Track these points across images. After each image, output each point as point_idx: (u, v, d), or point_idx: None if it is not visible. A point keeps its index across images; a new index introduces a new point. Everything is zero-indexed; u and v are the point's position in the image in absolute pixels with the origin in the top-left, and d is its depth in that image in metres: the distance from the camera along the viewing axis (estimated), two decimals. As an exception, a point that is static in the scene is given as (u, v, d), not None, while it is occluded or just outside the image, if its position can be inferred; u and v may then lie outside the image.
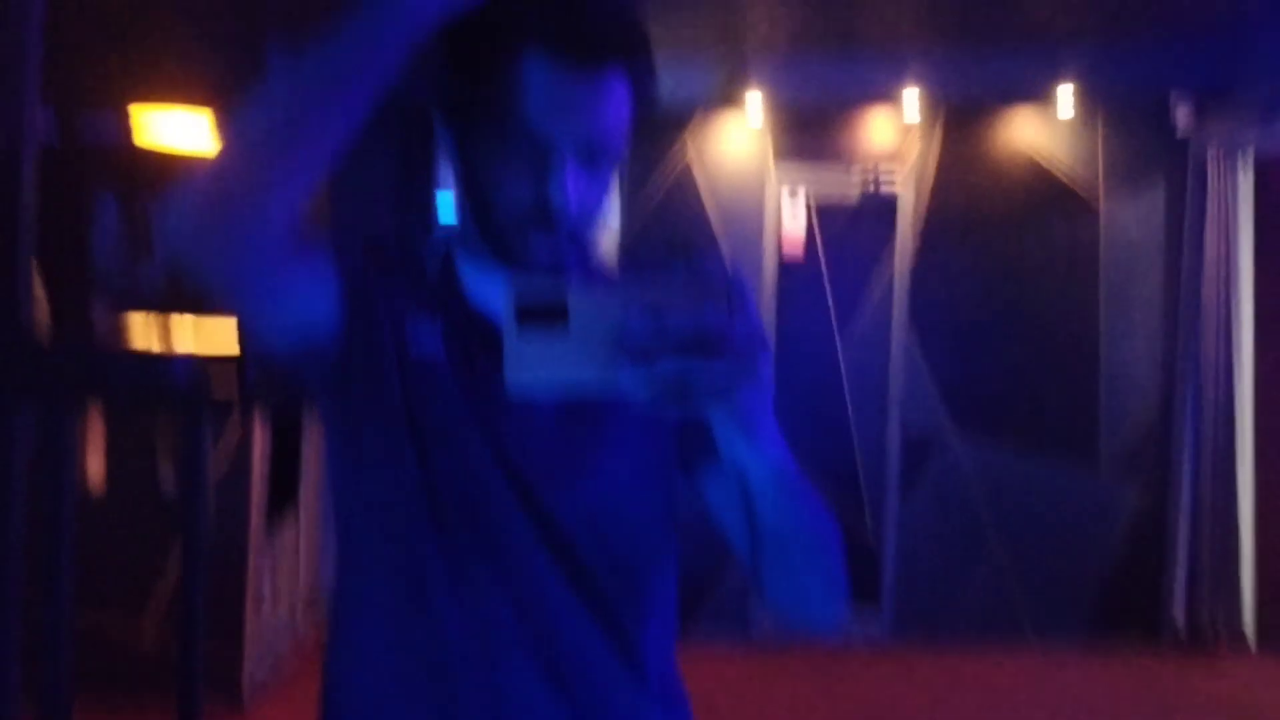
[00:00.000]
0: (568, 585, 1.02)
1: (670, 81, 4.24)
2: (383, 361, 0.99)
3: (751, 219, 4.87)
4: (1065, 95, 4.75)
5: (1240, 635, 4.84)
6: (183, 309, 3.30)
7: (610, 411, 1.02)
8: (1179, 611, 4.88)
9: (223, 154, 0.88)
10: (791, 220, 4.90)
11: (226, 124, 0.89)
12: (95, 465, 3.67)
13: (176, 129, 3.26)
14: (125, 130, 3.53)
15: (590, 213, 0.98)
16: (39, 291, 2.07)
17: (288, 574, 4.35)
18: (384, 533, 1.04)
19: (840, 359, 4.92)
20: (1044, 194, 4.90)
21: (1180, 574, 4.92)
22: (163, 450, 3.57)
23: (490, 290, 1.01)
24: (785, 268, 4.89)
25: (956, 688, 4.43)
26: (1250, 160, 4.84)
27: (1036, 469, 4.92)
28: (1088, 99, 4.78)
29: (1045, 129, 4.89)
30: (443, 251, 1.06)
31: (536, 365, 0.76)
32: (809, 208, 4.89)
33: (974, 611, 4.93)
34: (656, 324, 0.74)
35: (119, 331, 3.59)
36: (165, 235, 0.89)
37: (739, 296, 0.76)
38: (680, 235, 4.82)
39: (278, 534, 4.18)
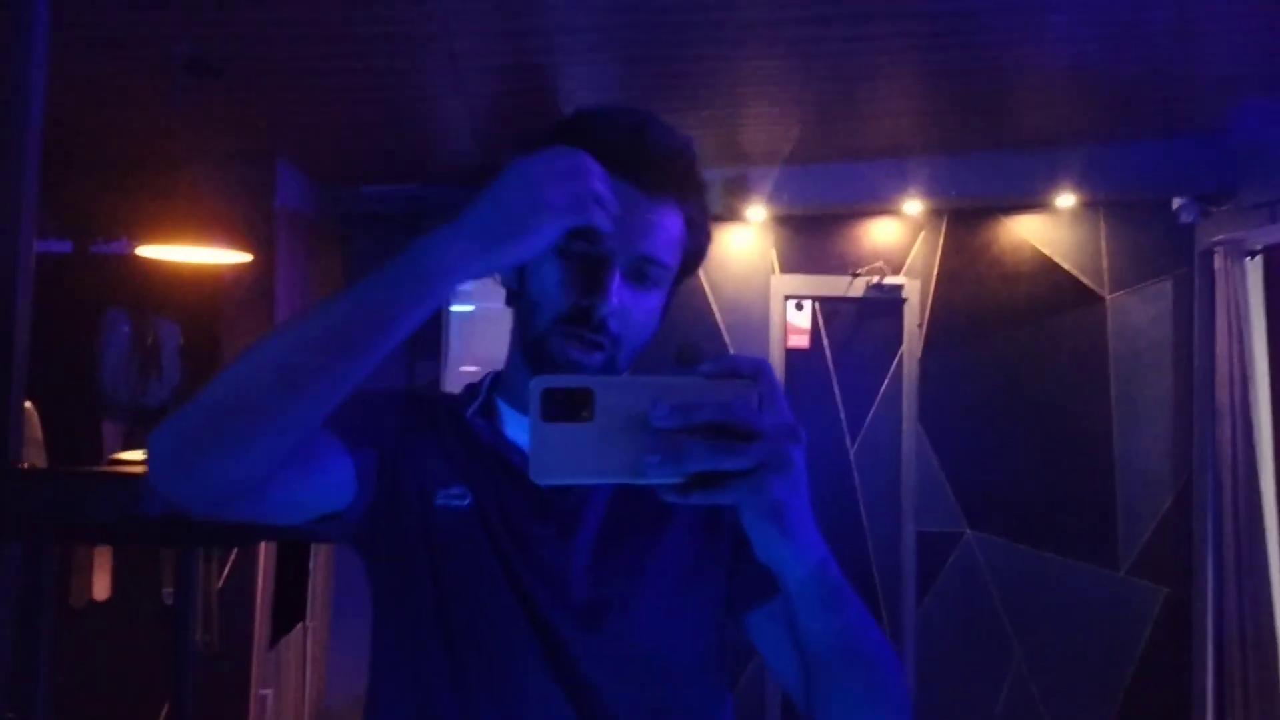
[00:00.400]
0: None
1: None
2: (405, 515, 1.01)
3: (756, 323, 4.90)
4: (1066, 195, 4.78)
5: (1277, 738, 4.66)
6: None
7: (654, 544, 1.01)
8: (1210, 714, 4.72)
9: (225, 383, 0.85)
10: (797, 318, 4.93)
11: (221, 369, 0.86)
12: (102, 581, 3.68)
13: (188, 253, 3.34)
14: (138, 251, 3.62)
15: (631, 326, 1.00)
16: (33, 425, 2.10)
17: (293, 688, 4.30)
18: (402, 675, 1.04)
19: (851, 457, 4.88)
20: (1049, 286, 4.90)
21: (1209, 672, 4.77)
22: (166, 565, 3.57)
23: (521, 425, 1.03)
24: (792, 368, 4.89)
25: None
26: (1259, 252, 4.83)
27: (1054, 567, 4.82)
28: (1090, 198, 4.80)
29: (1048, 226, 4.91)
30: (485, 394, 1.09)
31: (561, 455, 0.74)
32: (815, 311, 4.92)
33: (997, 718, 4.78)
34: (683, 413, 0.72)
35: (128, 447, 3.62)
36: (150, 463, 0.89)
37: (768, 387, 0.75)
38: (687, 337, 4.85)
39: (284, 649, 4.15)
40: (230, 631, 3.64)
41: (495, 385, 1.10)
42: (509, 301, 1.06)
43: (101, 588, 3.60)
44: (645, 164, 0.97)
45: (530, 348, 1.00)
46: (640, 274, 0.99)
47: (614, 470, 0.74)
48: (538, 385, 0.74)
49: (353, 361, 0.85)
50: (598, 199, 0.89)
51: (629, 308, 0.98)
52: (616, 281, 0.96)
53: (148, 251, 3.41)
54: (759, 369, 0.76)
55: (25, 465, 1.94)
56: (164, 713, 3.69)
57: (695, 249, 1.04)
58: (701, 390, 0.74)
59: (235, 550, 3.70)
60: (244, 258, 3.44)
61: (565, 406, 0.73)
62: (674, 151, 1.00)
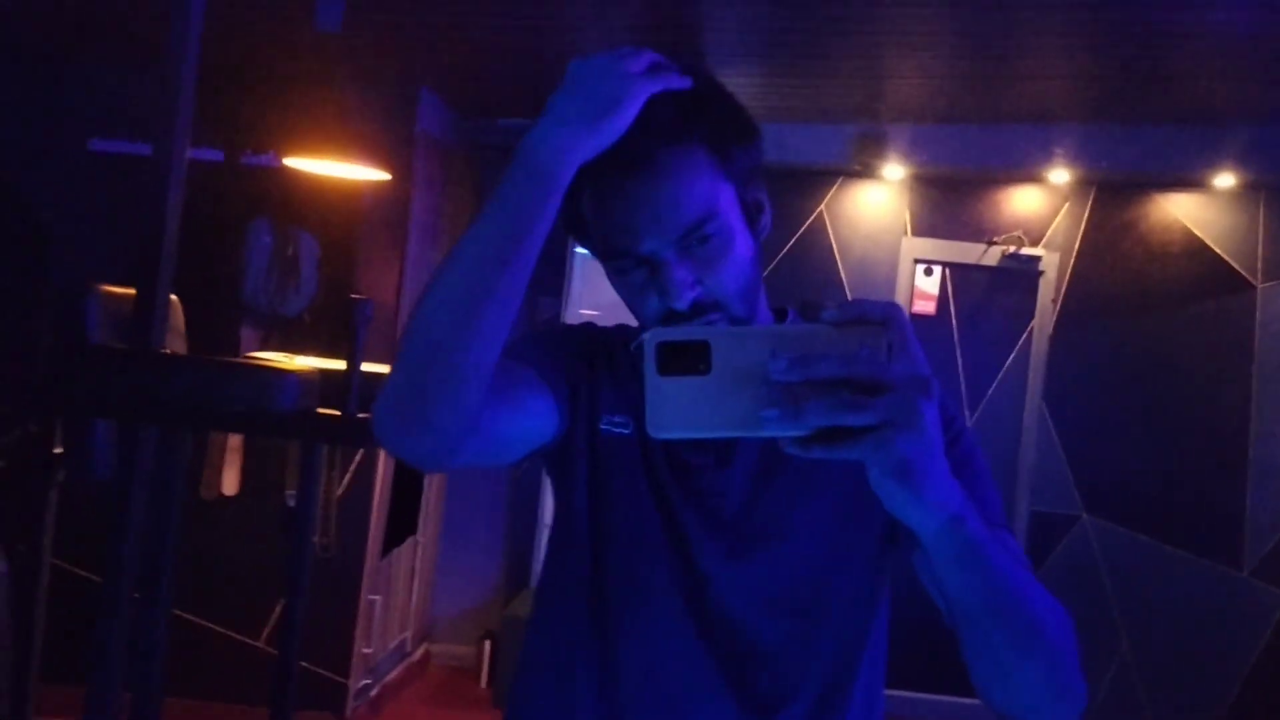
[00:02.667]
0: (721, 674, 1.01)
1: (809, 146, 4.25)
2: (577, 439, 1.04)
3: (883, 285, 4.81)
4: (1226, 175, 4.53)
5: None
6: (320, 344, 3.48)
7: (813, 474, 0.97)
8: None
9: (413, 339, 0.87)
10: (925, 282, 4.83)
11: (409, 316, 0.91)
12: (231, 477, 3.87)
13: (331, 167, 3.46)
14: (282, 165, 3.75)
15: (722, 284, 0.95)
16: (177, 316, 2.22)
17: (401, 600, 4.47)
18: (553, 611, 1.09)
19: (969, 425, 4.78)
20: (1197, 270, 4.68)
21: (1331, 689, 4.55)
22: (291, 465, 3.74)
23: None
24: (917, 329, 4.79)
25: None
26: None
27: (1172, 561, 4.65)
28: (1251, 180, 4.55)
29: (1203, 206, 4.68)
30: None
31: (677, 409, 0.72)
32: (944, 277, 4.81)
33: (1097, 710, 4.67)
34: (803, 365, 0.69)
35: (264, 350, 3.78)
36: (379, 434, 0.91)
37: (899, 335, 0.73)
38: (809, 291, 4.80)
39: (394, 560, 4.31)
40: (346, 538, 3.80)
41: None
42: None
43: (230, 483, 3.79)
44: (615, 150, 0.91)
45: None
46: (687, 245, 0.94)
47: (732, 424, 0.72)
48: (652, 338, 0.73)
49: (511, 275, 0.87)
50: (665, 64, 0.92)
51: (706, 275, 0.95)
52: (677, 274, 0.93)
53: (293, 164, 3.53)
54: (890, 315, 0.73)
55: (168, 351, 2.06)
56: (278, 608, 3.89)
57: (738, 154, 0.98)
58: (825, 340, 0.71)
59: (358, 458, 3.85)
60: (383, 176, 3.54)
61: (682, 359, 0.72)
62: (642, 119, 0.91)
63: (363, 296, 3.89)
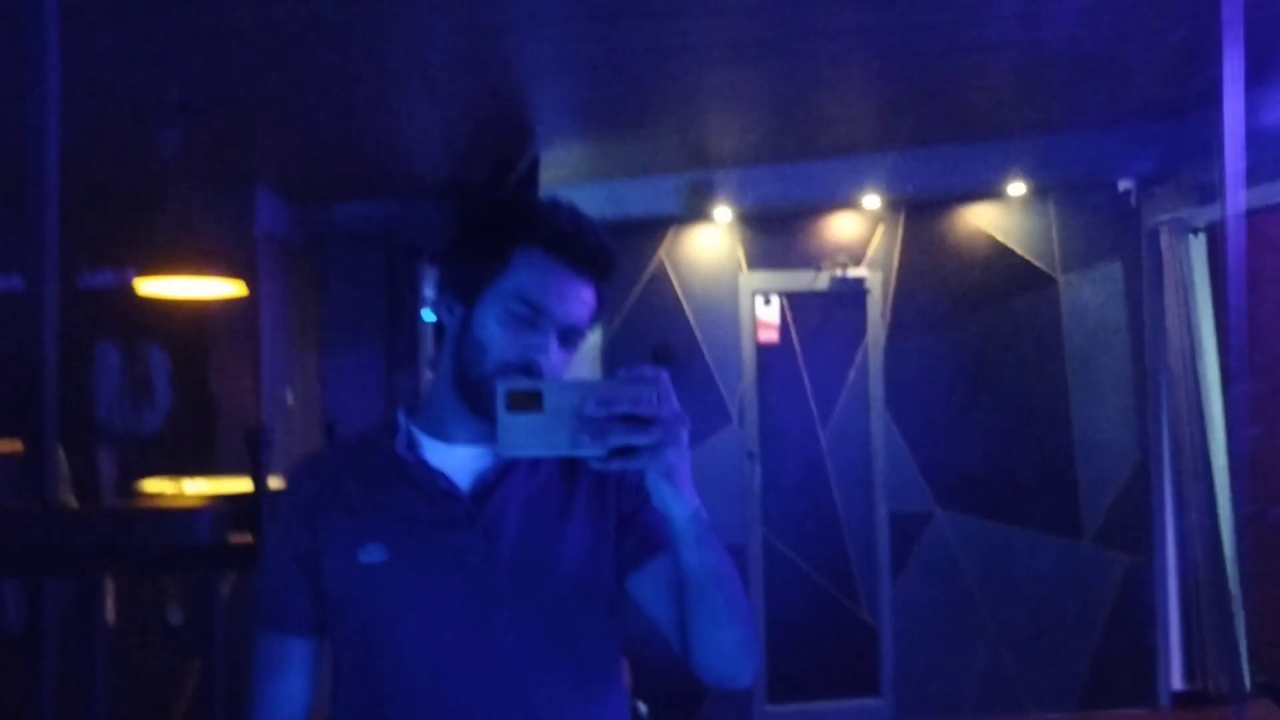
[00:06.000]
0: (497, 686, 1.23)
1: (643, 198, 4.45)
2: (335, 592, 1.26)
3: (726, 317, 5.05)
4: (1017, 183, 4.98)
5: (1241, 691, 4.91)
6: (183, 460, 3.44)
7: (560, 537, 1.26)
8: (1176, 673, 4.97)
9: None
10: (765, 312, 5.09)
11: None
12: (109, 605, 3.77)
13: (176, 287, 3.43)
14: (124, 283, 3.69)
15: (554, 374, 1.24)
16: (61, 461, 2.20)
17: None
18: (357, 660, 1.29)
19: (823, 444, 5.06)
20: (1004, 271, 5.10)
21: (1175, 635, 5.02)
22: (169, 588, 3.67)
23: (444, 453, 1.28)
24: (763, 359, 5.06)
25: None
26: (1202, 229, 5.06)
27: (1022, 542, 5.04)
28: (1039, 186, 5.01)
29: (1001, 214, 5.12)
30: (406, 429, 1.30)
31: (520, 436, 1.05)
32: (783, 305, 5.09)
33: (973, 690, 5.00)
34: (608, 406, 1.04)
35: (126, 478, 3.70)
36: None
37: (665, 389, 1.07)
38: (662, 336, 4.99)
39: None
40: (237, 643, 3.75)
41: (412, 420, 1.31)
42: (438, 337, 1.33)
43: (110, 611, 3.69)
44: (580, 253, 1.24)
45: (475, 387, 1.23)
46: (565, 338, 1.25)
47: (559, 447, 1.06)
48: (503, 386, 1.06)
49: None
50: None
51: (555, 363, 1.23)
52: (553, 355, 1.23)
53: (135, 281, 3.49)
54: (658, 375, 1.07)
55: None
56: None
57: (599, 314, 1.30)
58: (618, 389, 1.05)
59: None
60: (233, 289, 3.54)
61: (523, 402, 1.05)
62: (601, 244, 1.26)
63: (225, 409, 3.88)
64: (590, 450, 1.04)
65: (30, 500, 1.91)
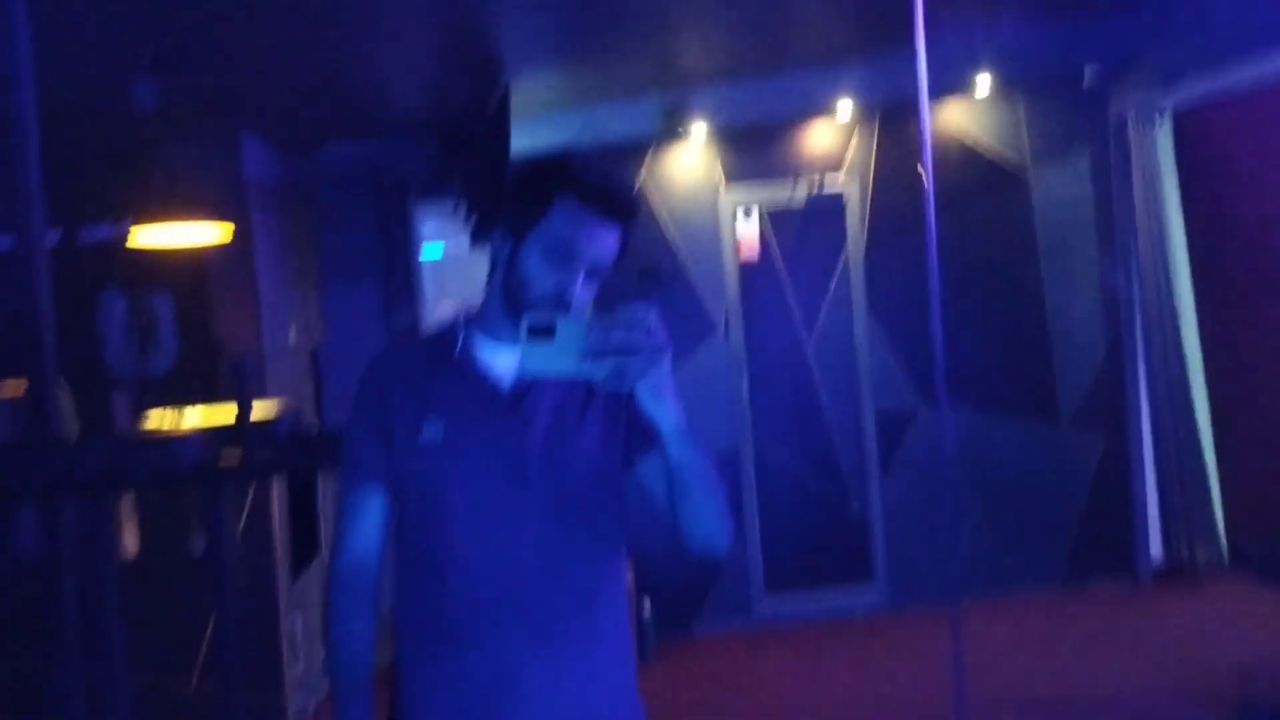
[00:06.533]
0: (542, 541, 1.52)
1: (619, 122, 4.57)
2: (400, 454, 1.53)
3: (708, 234, 5.19)
4: (984, 81, 5.06)
5: (1218, 560, 5.12)
6: (187, 396, 3.64)
7: (581, 430, 1.54)
8: (1155, 545, 5.18)
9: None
10: (746, 229, 5.23)
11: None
12: (130, 538, 4.02)
13: (170, 235, 3.60)
14: (123, 234, 3.88)
15: (582, 304, 1.51)
16: (64, 393, 2.40)
17: (320, 615, 4.69)
18: (412, 549, 1.56)
19: (809, 353, 5.23)
20: (977, 170, 5.21)
21: (1152, 509, 5.22)
22: (193, 519, 3.92)
23: (493, 352, 1.55)
24: (746, 275, 5.21)
25: (945, 643, 4.71)
26: (1168, 116, 5.14)
27: (1003, 430, 5.23)
28: (1006, 81, 5.08)
29: (971, 113, 5.21)
30: (465, 331, 1.58)
31: (538, 359, 1.31)
32: (762, 217, 5.22)
33: (961, 572, 5.22)
34: (606, 338, 1.30)
35: (138, 419, 3.93)
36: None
37: (653, 323, 1.32)
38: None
39: (307, 581, 4.53)
40: (255, 569, 4.01)
41: (471, 323, 1.58)
42: (492, 264, 1.57)
43: (131, 544, 3.94)
44: (609, 203, 1.49)
45: (518, 305, 1.48)
46: (592, 272, 1.50)
47: (566, 368, 1.31)
48: (526, 319, 1.33)
49: None
50: None
51: (582, 295, 1.49)
52: (579, 288, 1.48)
53: (132, 234, 3.67)
54: (648, 311, 1.33)
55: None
56: (203, 650, 4.07)
57: (622, 251, 1.55)
58: (615, 324, 1.31)
59: (251, 495, 4.05)
60: (223, 233, 3.71)
61: (541, 331, 1.31)
62: (627, 195, 1.53)
63: (230, 350, 4.09)
64: (592, 372, 1.30)
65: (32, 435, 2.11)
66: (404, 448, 1.52)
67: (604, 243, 1.50)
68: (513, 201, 1.52)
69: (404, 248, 5.22)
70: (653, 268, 5.12)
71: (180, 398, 3.87)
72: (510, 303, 1.51)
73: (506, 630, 1.49)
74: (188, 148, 4.01)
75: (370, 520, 1.55)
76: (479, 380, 1.53)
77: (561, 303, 1.46)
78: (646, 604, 4.83)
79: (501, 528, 1.50)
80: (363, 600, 1.56)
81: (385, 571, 1.59)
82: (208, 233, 3.69)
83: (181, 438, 2.20)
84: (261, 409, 3.04)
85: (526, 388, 1.52)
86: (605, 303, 1.48)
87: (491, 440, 1.51)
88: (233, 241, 4.07)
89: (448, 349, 1.56)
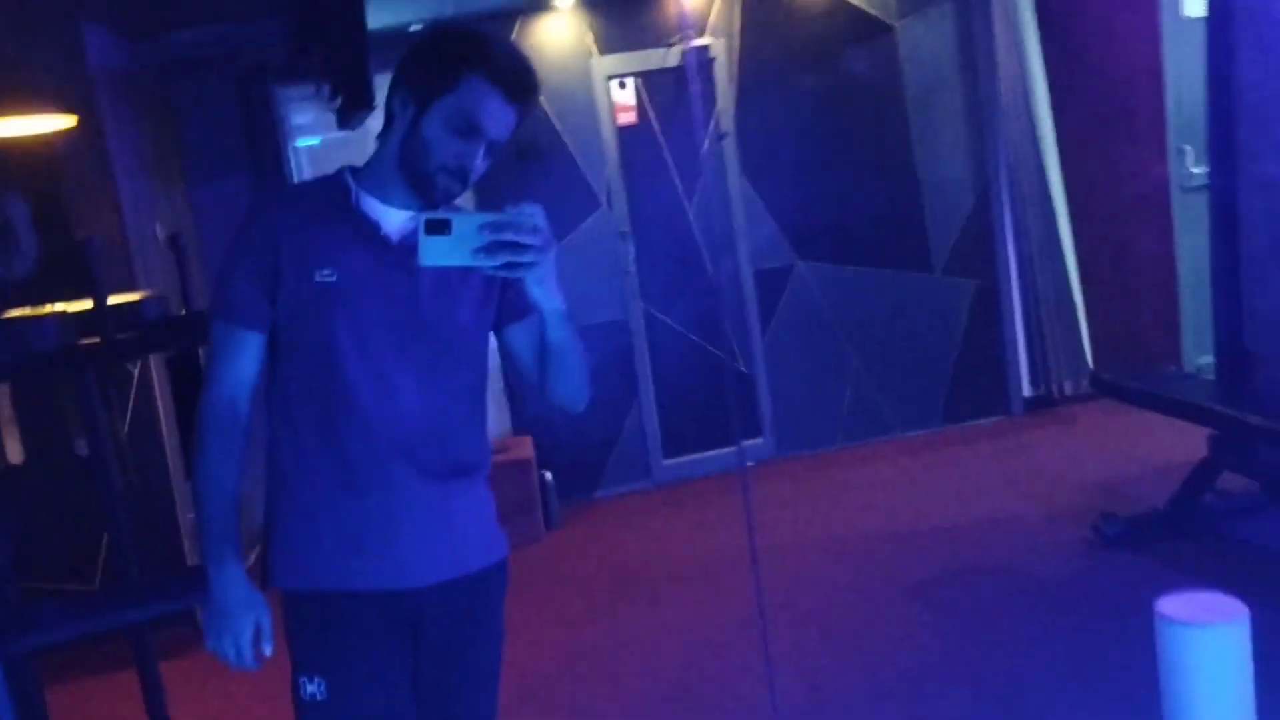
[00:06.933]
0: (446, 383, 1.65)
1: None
2: (290, 301, 1.58)
3: (583, 105, 5.16)
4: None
5: (1086, 391, 5.41)
6: (55, 298, 3.56)
7: (464, 287, 1.64)
8: (1025, 382, 5.46)
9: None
10: (621, 96, 5.21)
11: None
12: (13, 444, 3.97)
13: (13, 127, 3.46)
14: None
15: (478, 177, 1.61)
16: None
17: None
18: (309, 392, 1.61)
19: (690, 217, 5.29)
20: (843, 22, 5.24)
21: (1022, 349, 5.48)
22: (73, 419, 3.88)
23: (382, 210, 1.62)
24: (624, 143, 5.20)
25: (831, 485, 4.95)
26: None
27: (878, 282, 5.40)
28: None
29: (834, -34, 5.20)
30: (355, 188, 1.62)
31: (435, 252, 1.42)
32: (638, 87, 5.19)
33: (844, 421, 5.45)
34: (497, 232, 1.42)
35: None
36: None
37: (540, 218, 1.45)
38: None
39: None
40: (147, 465, 3.99)
41: (359, 180, 1.63)
42: (388, 121, 1.61)
43: (14, 452, 3.89)
44: (514, 83, 1.55)
45: (418, 176, 1.57)
46: (491, 149, 1.58)
47: (461, 259, 1.43)
48: (423, 216, 1.43)
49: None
50: (240, 654, 1.58)
51: (479, 169, 1.58)
52: (478, 162, 1.56)
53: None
54: (535, 210, 1.45)
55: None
56: (102, 550, 4.07)
57: (518, 130, 1.62)
58: (505, 220, 1.43)
59: (133, 396, 4.00)
60: (67, 122, 3.59)
61: (437, 227, 1.41)
62: (531, 78, 1.58)
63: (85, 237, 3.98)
64: (484, 263, 1.43)
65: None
66: (294, 287, 1.57)
67: (506, 120, 1.56)
68: (421, 68, 1.56)
69: (271, 133, 5.09)
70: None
71: (46, 300, 3.79)
72: (407, 165, 1.57)
73: (403, 473, 1.59)
74: (25, 39, 3.84)
75: (244, 358, 1.59)
76: (372, 232, 1.59)
77: (461, 173, 1.55)
78: (547, 476, 4.94)
79: (389, 375, 1.58)
80: (234, 434, 1.59)
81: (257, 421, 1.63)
82: (54, 123, 3.57)
83: (38, 320, 2.18)
84: (126, 297, 3.00)
85: (412, 247, 1.54)
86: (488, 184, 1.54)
87: (383, 289, 1.58)
88: (85, 136, 3.93)
89: (340, 198, 1.60)
